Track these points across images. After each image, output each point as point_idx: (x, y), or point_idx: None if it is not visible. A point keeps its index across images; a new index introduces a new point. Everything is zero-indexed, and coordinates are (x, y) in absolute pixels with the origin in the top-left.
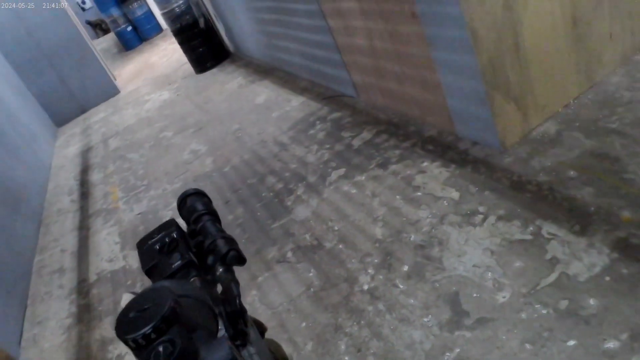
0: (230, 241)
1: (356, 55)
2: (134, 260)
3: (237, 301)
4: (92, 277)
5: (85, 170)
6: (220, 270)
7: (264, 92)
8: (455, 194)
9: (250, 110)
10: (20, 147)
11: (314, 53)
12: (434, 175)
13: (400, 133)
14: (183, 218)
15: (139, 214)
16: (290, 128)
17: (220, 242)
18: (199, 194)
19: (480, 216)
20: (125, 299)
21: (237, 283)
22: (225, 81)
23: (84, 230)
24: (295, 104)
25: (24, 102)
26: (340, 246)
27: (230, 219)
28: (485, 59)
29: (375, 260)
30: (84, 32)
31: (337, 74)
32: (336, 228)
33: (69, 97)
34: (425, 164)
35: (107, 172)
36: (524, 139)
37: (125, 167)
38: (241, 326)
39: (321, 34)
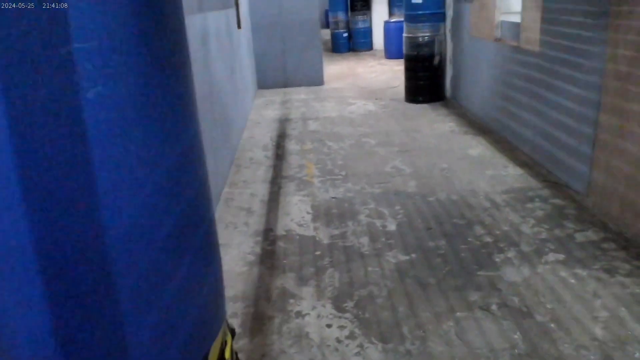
0: None
1: (614, 158)
2: (324, 235)
3: None
4: (280, 232)
5: (281, 136)
6: None
7: (478, 147)
8: None
9: (461, 158)
10: (238, 89)
11: (555, 135)
12: None
13: (632, 249)
14: None
15: (334, 197)
16: (504, 192)
17: None
18: None
19: None
20: None
21: None
22: (435, 120)
23: (275, 186)
24: (512, 172)
25: (248, 55)
26: (553, 325)
27: (432, 245)
28: None
29: (592, 357)
30: None
31: (573, 165)
32: (549, 306)
33: (281, 68)
34: None
35: (304, 148)
36: None
37: (324, 151)
38: None
39: (581, 122)
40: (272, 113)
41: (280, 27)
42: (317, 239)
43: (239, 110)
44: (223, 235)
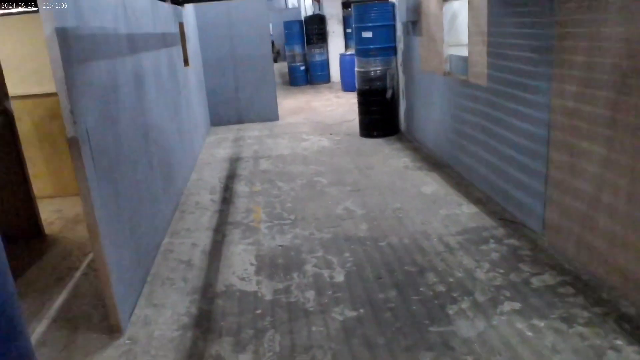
0: None
1: (567, 196)
2: (267, 290)
3: None
4: (220, 287)
5: (231, 177)
6: None
7: (432, 184)
8: None
9: (415, 196)
10: (185, 129)
11: (509, 172)
12: None
13: (589, 294)
14: None
15: (280, 245)
16: (459, 233)
17: None
18: None
19: None
20: None
21: None
22: (390, 155)
23: (219, 234)
24: (467, 211)
25: (199, 93)
26: None
27: (381, 297)
28: None
29: None
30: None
31: (528, 202)
32: None
33: (234, 105)
34: (619, 342)
35: (253, 189)
36: None
37: (274, 193)
38: None
39: (533, 158)
40: (223, 152)
41: (232, 63)
42: (259, 294)
43: (185, 151)
44: (158, 293)
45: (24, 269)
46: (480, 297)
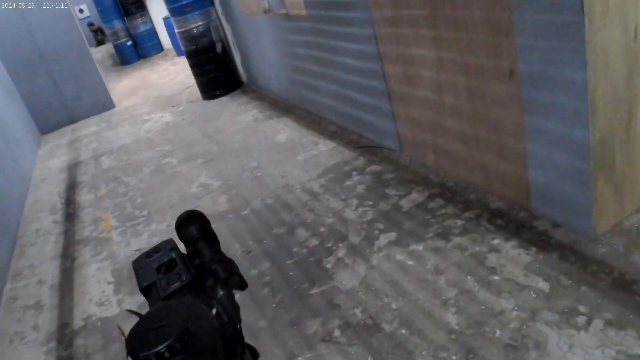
0: (231, 264)
1: (412, 107)
2: (131, 308)
3: (238, 326)
4: (77, 323)
5: (71, 188)
6: (221, 293)
7: (285, 130)
8: (543, 285)
9: (270, 148)
10: (2, 151)
11: (353, 97)
12: (511, 257)
13: (458, 200)
14: (181, 239)
15: (137, 250)
16: (320, 175)
17: (220, 266)
18: (197, 216)
19: (583, 317)
20: (125, 317)
21: (237, 307)
22: (237, 112)
23: (68, 259)
24: (324, 149)
25: (12, 103)
26: (404, 331)
27: (255, 274)
28: (598, 135)
29: (454, 357)
30: (86, 40)
31: (379, 123)
32: (394, 306)
33: (60, 104)
34: (496, 241)
35: (98, 194)
36: (616, 227)
37: (121, 191)
38: (239, 352)
39: (371, 78)
40: (59, 161)
41: (40, 59)
42: None
43: (7, 176)
44: (8, 356)
45: None
46: (354, 239)
